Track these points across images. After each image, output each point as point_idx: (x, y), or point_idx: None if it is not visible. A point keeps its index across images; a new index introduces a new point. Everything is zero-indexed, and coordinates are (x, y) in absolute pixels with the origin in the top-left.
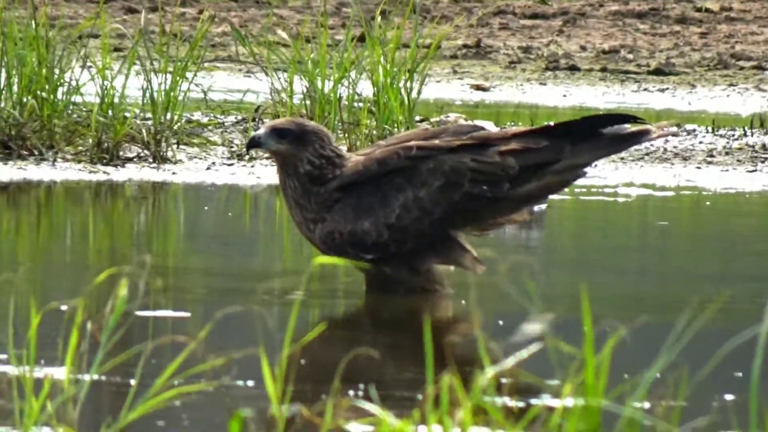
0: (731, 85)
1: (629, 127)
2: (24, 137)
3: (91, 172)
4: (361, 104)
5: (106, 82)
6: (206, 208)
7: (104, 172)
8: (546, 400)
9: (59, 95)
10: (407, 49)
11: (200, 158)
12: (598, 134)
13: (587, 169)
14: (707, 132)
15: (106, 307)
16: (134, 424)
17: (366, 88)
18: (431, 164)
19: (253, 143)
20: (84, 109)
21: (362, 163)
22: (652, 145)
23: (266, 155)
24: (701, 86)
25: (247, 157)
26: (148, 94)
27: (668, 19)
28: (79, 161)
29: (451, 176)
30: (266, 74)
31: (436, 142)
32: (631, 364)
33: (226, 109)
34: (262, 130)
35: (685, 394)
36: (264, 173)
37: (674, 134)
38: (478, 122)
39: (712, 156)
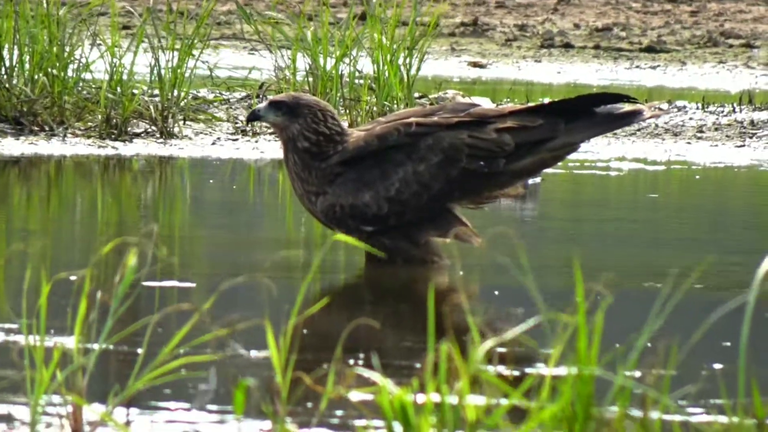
0: (721, 62)
1: (623, 107)
2: (35, 113)
3: (100, 147)
4: (361, 81)
5: (114, 60)
6: (211, 181)
7: (113, 147)
8: (541, 368)
9: (69, 72)
10: (406, 27)
11: (206, 134)
12: (591, 113)
13: (581, 145)
14: (697, 108)
15: (114, 277)
16: (141, 393)
17: (366, 66)
18: (430, 140)
19: (253, 116)
20: (93, 86)
21: (363, 138)
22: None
23: (270, 130)
24: (691, 63)
25: (250, 132)
26: (155, 72)
27: None
28: (89, 136)
29: (449, 152)
30: (270, 52)
31: (435, 118)
32: (623, 333)
33: (231, 85)
34: (262, 104)
35: (675, 363)
36: (267, 148)
37: (665, 114)
38: (475, 99)
39: (701, 131)
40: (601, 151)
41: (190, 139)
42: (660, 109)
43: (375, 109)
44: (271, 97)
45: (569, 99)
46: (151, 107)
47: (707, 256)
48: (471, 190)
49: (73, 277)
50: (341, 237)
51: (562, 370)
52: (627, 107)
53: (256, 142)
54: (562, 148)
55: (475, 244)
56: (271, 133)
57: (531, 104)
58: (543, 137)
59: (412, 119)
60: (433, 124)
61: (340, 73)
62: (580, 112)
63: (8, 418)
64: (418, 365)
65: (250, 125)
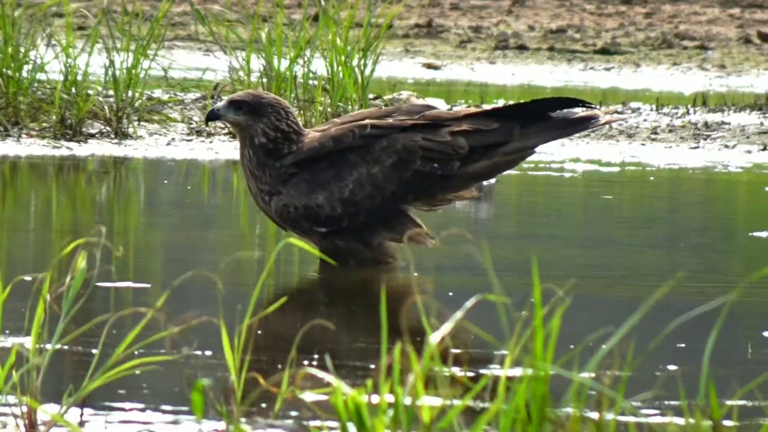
0: (675, 64)
1: (578, 112)
2: None
3: (54, 147)
4: (315, 82)
5: (69, 60)
6: (166, 182)
7: (67, 148)
8: (496, 369)
9: (24, 73)
10: (361, 29)
11: (160, 134)
12: (547, 117)
13: (536, 150)
14: (651, 110)
15: (67, 278)
16: (96, 393)
17: (321, 67)
18: (384, 142)
19: (212, 115)
20: (48, 86)
21: (317, 139)
22: None
23: (225, 131)
24: (646, 65)
25: (205, 133)
26: (110, 72)
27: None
28: (43, 137)
29: (403, 154)
30: (225, 53)
31: (390, 121)
32: (575, 334)
33: (186, 86)
34: (221, 103)
35: (631, 365)
36: (222, 148)
37: (621, 120)
38: (429, 100)
39: (656, 133)
40: (555, 152)
41: (145, 139)
42: (616, 113)
43: (329, 110)
44: (229, 96)
45: (524, 103)
46: (106, 108)
47: (661, 257)
48: (425, 192)
49: (27, 278)
50: (294, 240)
51: (517, 371)
52: (582, 112)
53: (211, 142)
54: (517, 152)
55: (429, 246)
56: (226, 134)
57: (486, 107)
58: (498, 141)
59: (367, 121)
60: (388, 126)
61: (294, 74)
62: (535, 117)
63: None
64: (372, 366)
65: (207, 125)
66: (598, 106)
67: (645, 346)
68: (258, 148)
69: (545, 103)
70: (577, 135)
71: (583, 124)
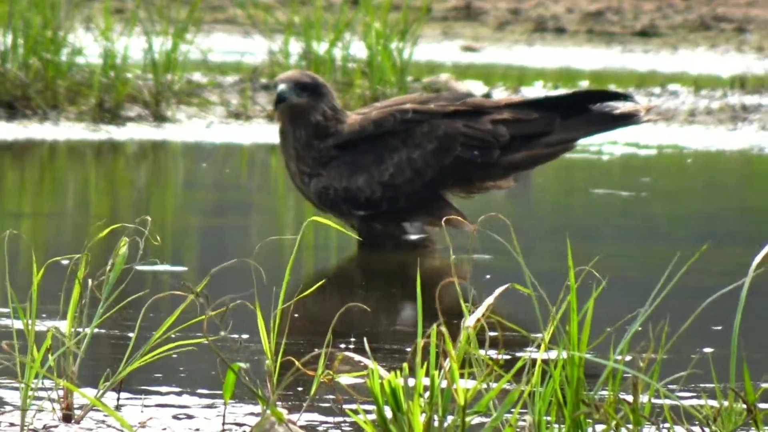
0: (713, 46)
1: (619, 106)
2: (29, 97)
3: (93, 131)
4: (354, 65)
5: (108, 44)
6: (204, 165)
7: (106, 131)
8: (531, 352)
9: (63, 57)
10: (399, 11)
11: (199, 118)
12: (587, 110)
13: (576, 144)
14: (689, 93)
15: (106, 263)
16: (132, 377)
17: (359, 50)
18: (426, 128)
19: (281, 99)
20: (87, 70)
21: (358, 123)
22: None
23: (263, 114)
24: (684, 48)
25: (243, 116)
26: (148, 56)
27: None
28: (82, 121)
29: (444, 140)
30: (263, 36)
31: (431, 106)
32: (613, 317)
33: (225, 70)
34: (284, 86)
35: (665, 348)
36: (260, 132)
37: (659, 119)
38: (468, 83)
39: (693, 116)
40: None
41: (183, 123)
42: (657, 113)
43: (368, 93)
44: (288, 77)
45: (565, 95)
46: (145, 91)
47: (699, 240)
48: (464, 179)
49: (65, 262)
50: (317, 218)
51: (553, 354)
52: (624, 108)
53: (249, 125)
54: (558, 145)
55: (467, 230)
56: (264, 117)
57: (527, 97)
58: (538, 131)
59: (408, 105)
60: (430, 111)
61: (332, 57)
62: (575, 109)
63: None
64: (409, 349)
65: (276, 109)
66: (635, 96)
67: (682, 331)
68: (311, 127)
69: (586, 96)
70: None
71: (624, 121)
